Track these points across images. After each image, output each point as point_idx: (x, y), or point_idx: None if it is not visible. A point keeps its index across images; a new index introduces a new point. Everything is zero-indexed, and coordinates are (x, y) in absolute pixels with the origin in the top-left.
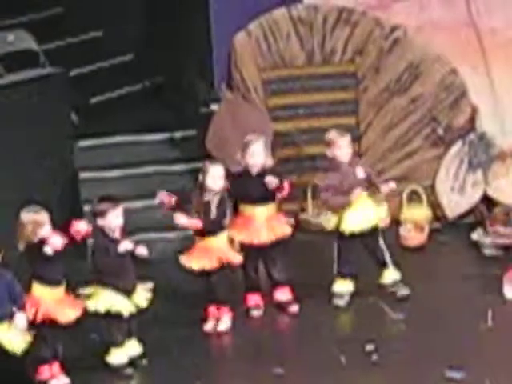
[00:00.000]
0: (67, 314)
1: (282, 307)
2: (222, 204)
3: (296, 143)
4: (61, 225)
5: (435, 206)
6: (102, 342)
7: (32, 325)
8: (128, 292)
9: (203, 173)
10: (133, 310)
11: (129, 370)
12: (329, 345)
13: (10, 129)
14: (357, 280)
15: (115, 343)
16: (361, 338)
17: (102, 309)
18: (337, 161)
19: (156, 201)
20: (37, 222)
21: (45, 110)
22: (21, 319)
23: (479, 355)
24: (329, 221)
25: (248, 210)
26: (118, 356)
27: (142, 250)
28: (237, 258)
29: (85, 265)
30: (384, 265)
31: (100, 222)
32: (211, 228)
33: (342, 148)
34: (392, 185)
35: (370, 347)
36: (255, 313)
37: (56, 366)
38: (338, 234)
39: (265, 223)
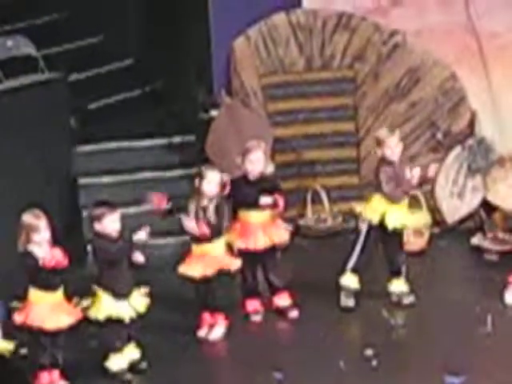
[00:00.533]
0: (61, 320)
1: (281, 312)
2: (220, 210)
3: (295, 148)
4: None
5: (435, 210)
6: (101, 348)
7: (29, 331)
8: (124, 296)
9: (200, 178)
10: (133, 314)
11: (128, 376)
12: (328, 350)
13: (8, 134)
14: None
15: (114, 349)
16: (360, 343)
17: (103, 316)
18: (387, 160)
19: (147, 201)
20: (31, 227)
21: (44, 116)
22: None
23: (478, 360)
24: (374, 212)
25: (245, 215)
26: (117, 362)
27: (138, 257)
28: (235, 264)
29: (84, 272)
30: (397, 274)
31: (96, 226)
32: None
33: (391, 148)
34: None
35: (369, 352)
36: (254, 318)
37: (56, 373)
38: (371, 230)
39: (262, 229)
